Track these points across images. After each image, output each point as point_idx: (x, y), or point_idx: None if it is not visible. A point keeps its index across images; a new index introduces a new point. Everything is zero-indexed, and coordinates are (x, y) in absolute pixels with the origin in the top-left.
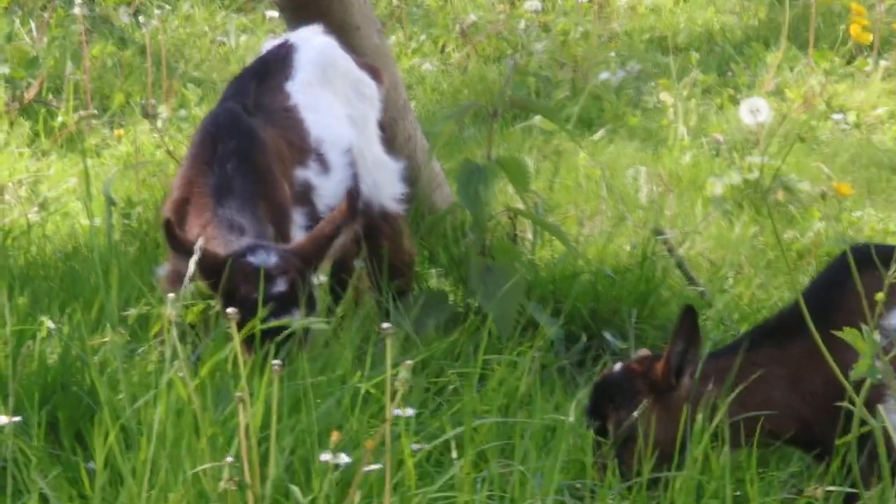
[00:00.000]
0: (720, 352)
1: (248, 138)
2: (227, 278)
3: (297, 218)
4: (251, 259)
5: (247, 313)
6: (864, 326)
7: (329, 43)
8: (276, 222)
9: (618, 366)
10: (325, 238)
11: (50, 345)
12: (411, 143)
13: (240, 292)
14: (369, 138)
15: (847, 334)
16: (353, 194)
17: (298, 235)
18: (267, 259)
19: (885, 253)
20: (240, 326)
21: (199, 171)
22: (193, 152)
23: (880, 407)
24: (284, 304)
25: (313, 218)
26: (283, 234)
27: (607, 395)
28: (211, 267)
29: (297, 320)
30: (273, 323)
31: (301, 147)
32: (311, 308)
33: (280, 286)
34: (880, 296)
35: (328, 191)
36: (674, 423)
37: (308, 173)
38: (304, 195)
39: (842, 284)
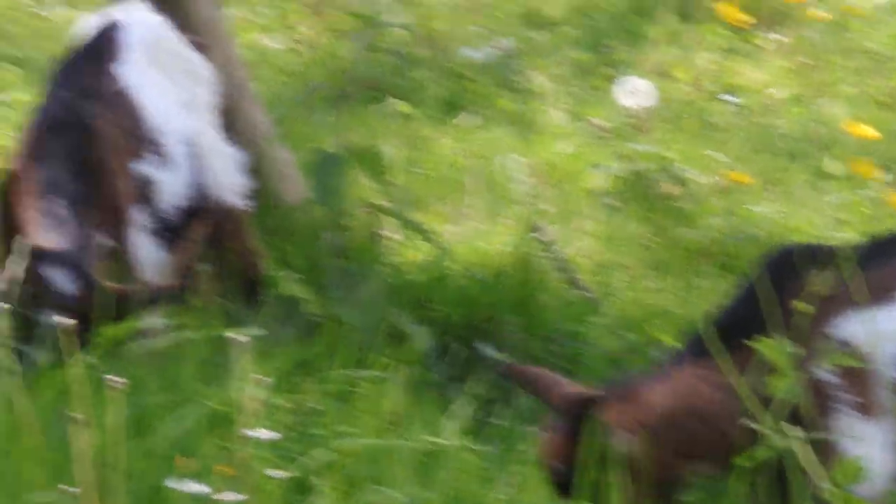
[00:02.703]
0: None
1: (80, 131)
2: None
3: (138, 217)
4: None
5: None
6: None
7: (159, 21)
8: (109, 225)
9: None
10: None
11: None
12: (253, 129)
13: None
14: (205, 125)
15: (763, 345)
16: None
17: (140, 238)
18: (67, 284)
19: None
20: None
21: (29, 166)
22: (25, 148)
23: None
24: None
25: (155, 217)
26: (119, 237)
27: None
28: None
29: None
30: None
31: (137, 137)
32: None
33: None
34: (801, 305)
35: (169, 186)
36: None
37: (146, 167)
38: (144, 192)
39: (781, 289)
